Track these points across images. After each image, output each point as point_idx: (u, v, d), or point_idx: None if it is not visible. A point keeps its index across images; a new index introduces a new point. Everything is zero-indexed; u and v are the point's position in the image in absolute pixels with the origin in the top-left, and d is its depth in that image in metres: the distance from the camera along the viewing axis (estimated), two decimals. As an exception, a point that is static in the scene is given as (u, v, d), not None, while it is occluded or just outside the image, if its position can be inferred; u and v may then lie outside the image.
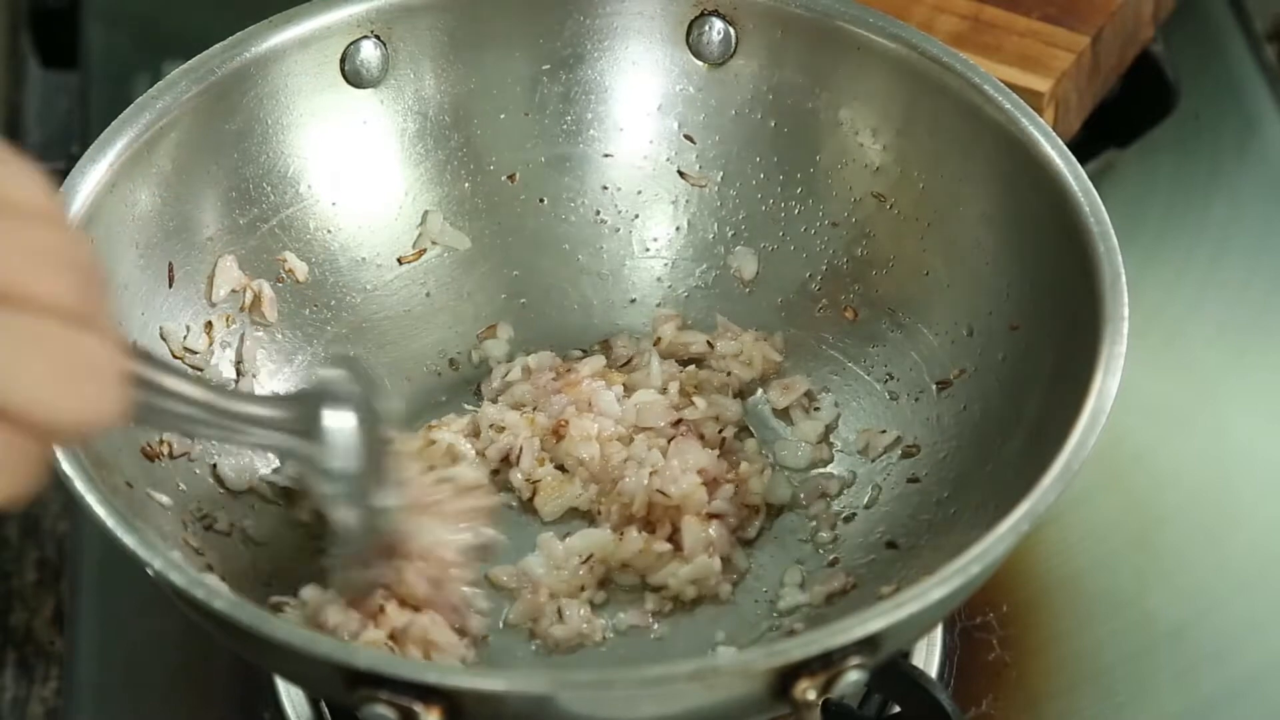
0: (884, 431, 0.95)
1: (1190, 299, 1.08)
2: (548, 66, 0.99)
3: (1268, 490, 1.00)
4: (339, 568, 0.86)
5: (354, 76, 0.96)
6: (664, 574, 0.90)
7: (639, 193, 1.01)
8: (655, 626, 0.90)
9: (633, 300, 1.00)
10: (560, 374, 0.96)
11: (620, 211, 1.01)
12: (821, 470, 0.95)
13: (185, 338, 0.91)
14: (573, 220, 1.01)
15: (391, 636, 0.85)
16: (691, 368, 0.98)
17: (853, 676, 0.74)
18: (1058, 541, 0.98)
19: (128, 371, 0.62)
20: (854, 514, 0.93)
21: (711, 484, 0.92)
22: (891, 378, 0.96)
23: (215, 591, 0.75)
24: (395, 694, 0.72)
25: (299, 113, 0.96)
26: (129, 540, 0.76)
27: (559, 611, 0.89)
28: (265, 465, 0.92)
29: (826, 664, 0.74)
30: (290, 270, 0.96)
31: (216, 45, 0.93)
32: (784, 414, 0.97)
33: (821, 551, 0.93)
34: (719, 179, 1.00)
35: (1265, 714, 0.93)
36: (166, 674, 0.95)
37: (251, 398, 0.88)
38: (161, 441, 0.88)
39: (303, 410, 0.81)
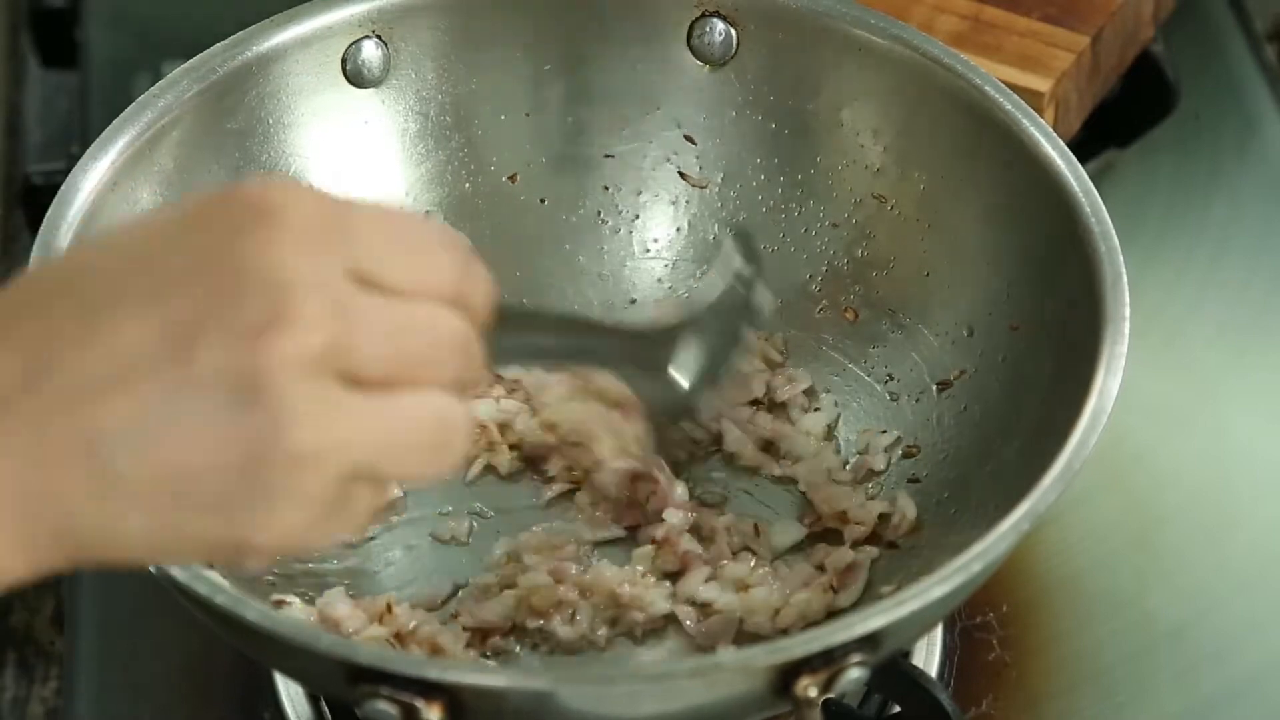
0: (884, 432, 0.95)
1: (1190, 299, 1.08)
2: (549, 67, 0.99)
3: (1268, 490, 1.00)
4: None
5: (355, 76, 0.96)
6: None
7: (639, 193, 1.01)
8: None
9: (633, 301, 1.01)
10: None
11: (621, 212, 1.01)
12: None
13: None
14: (573, 221, 1.01)
15: (397, 636, 0.85)
16: None
17: (854, 674, 0.74)
18: (1058, 541, 0.98)
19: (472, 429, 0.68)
20: (854, 514, 0.94)
21: None
22: (892, 378, 0.96)
23: (218, 587, 0.75)
24: (396, 690, 0.72)
25: (300, 112, 0.96)
26: (130, 537, 0.76)
27: (573, 614, 0.89)
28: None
29: (828, 661, 0.74)
30: (291, 270, 0.96)
31: (217, 45, 0.93)
32: (782, 410, 0.97)
33: (823, 551, 0.93)
34: (719, 180, 1.00)
35: (1265, 714, 0.93)
36: (166, 674, 0.95)
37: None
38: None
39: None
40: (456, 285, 0.65)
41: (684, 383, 0.85)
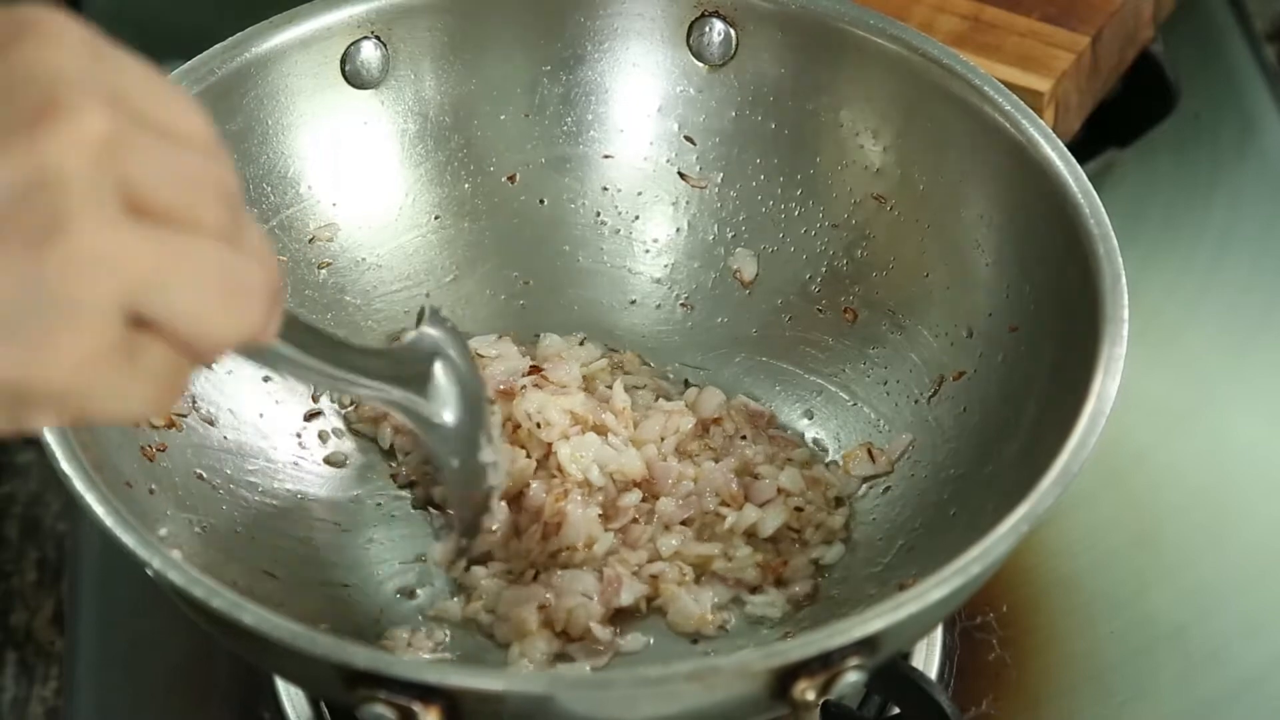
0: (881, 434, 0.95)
1: (1190, 299, 1.08)
2: (548, 67, 0.99)
3: (1268, 490, 1.00)
4: (444, 535, 0.90)
5: (354, 77, 0.96)
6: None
7: (639, 194, 1.01)
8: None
9: (633, 301, 1.00)
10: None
11: (620, 213, 1.01)
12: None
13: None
14: (573, 221, 1.01)
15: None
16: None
17: (852, 677, 0.74)
18: (1058, 541, 0.98)
19: (280, 293, 0.64)
20: (854, 514, 0.94)
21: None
22: (891, 379, 0.96)
23: (215, 590, 0.75)
24: (394, 694, 0.72)
25: (299, 113, 0.96)
26: (128, 539, 0.76)
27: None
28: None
29: (826, 664, 0.74)
30: (290, 270, 0.96)
31: (217, 45, 0.93)
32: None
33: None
34: (719, 180, 1.00)
35: (1265, 714, 0.93)
36: (166, 674, 0.95)
37: (364, 350, 0.89)
38: (162, 443, 0.88)
39: (413, 364, 0.84)
40: (213, 141, 0.63)
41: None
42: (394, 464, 0.95)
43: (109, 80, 0.60)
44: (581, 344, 0.99)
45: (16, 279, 0.58)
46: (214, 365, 0.74)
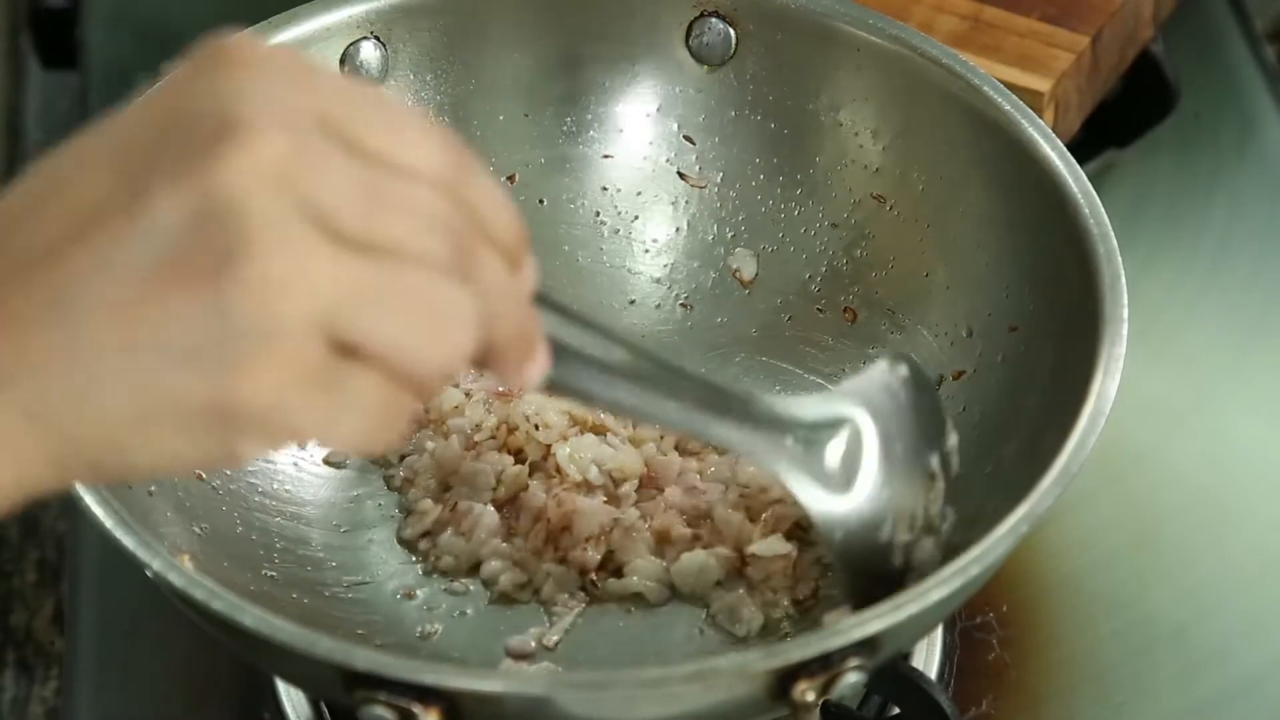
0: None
1: (1190, 299, 1.08)
2: (547, 67, 0.99)
3: (1268, 490, 1.00)
4: None
5: (354, 78, 0.96)
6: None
7: (638, 194, 1.01)
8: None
9: (632, 301, 1.00)
10: None
11: (619, 213, 1.01)
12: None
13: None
14: (572, 221, 1.01)
15: None
16: None
17: (852, 678, 0.74)
18: (1058, 541, 0.98)
19: (528, 340, 0.65)
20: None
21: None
22: (891, 379, 0.96)
23: (215, 593, 0.75)
24: (394, 695, 0.72)
25: (299, 114, 0.95)
26: (127, 541, 0.76)
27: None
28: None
29: (826, 665, 0.74)
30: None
31: (216, 46, 0.93)
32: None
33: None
34: (718, 180, 1.00)
35: (1265, 714, 0.92)
36: (166, 674, 0.95)
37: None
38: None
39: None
40: (451, 176, 0.61)
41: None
42: (388, 470, 0.94)
43: (307, 104, 0.58)
44: None
45: (201, 309, 0.56)
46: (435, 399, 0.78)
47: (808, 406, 0.83)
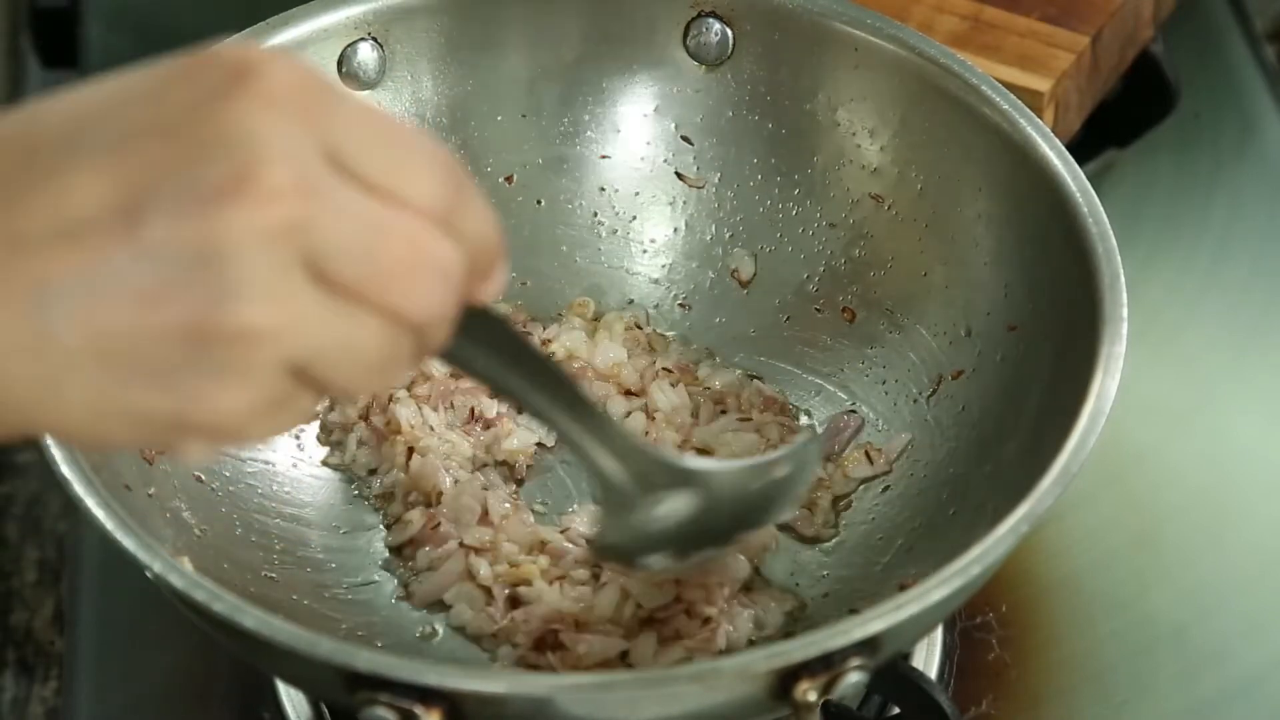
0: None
1: (1190, 299, 1.08)
2: (544, 68, 0.99)
3: (1268, 490, 1.00)
4: None
5: (352, 79, 0.96)
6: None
7: (636, 194, 1.01)
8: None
9: (630, 301, 1.00)
10: None
11: (618, 213, 1.01)
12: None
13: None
14: (570, 222, 1.01)
15: None
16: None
17: (853, 678, 0.74)
18: (1058, 541, 0.98)
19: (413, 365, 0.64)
20: (852, 515, 0.94)
21: None
22: (889, 379, 0.96)
23: (216, 594, 0.75)
24: (395, 696, 0.72)
25: (297, 114, 0.95)
26: (127, 543, 0.76)
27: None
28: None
29: (827, 665, 0.74)
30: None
31: (215, 47, 0.93)
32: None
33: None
34: (716, 180, 1.00)
35: (1265, 714, 0.93)
36: (166, 674, 0.95)
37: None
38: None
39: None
40: (446, 205, 0.61)
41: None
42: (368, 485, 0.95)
43: (318, 138, 0.59)
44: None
45: (179, 341, 0.58)
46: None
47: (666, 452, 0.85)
